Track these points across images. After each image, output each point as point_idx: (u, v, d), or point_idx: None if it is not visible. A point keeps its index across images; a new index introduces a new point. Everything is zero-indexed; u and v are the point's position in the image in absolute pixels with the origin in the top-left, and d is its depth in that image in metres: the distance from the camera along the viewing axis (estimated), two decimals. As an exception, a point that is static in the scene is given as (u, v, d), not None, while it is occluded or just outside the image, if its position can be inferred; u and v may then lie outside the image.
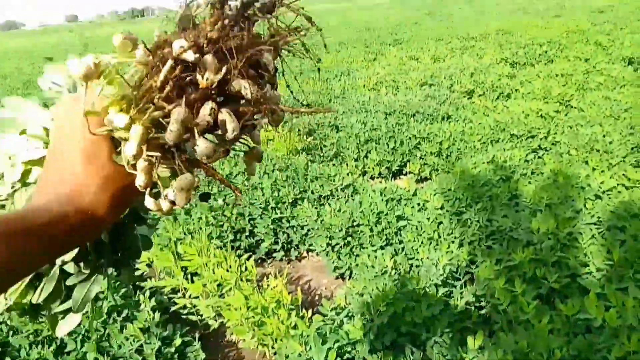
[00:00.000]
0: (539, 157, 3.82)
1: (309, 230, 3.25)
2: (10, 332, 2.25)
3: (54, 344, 2.15)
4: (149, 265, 2.97)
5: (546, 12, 14.56)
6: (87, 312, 0.68)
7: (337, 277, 2.95)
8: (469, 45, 9.24)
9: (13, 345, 2.15)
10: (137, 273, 2.90)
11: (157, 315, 2.31)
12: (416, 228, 2.98)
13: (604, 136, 3.74)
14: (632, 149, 3.54)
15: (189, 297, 2.61)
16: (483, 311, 2.16)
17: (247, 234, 3.28)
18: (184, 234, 3.16)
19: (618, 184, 2.92)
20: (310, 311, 2.31)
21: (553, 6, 16.26)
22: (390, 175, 4.27)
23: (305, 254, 3.31)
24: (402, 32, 13.22)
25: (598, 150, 3.57)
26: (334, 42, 12.32)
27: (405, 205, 3.25)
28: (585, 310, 1.85)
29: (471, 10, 19.04)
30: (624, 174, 3.02)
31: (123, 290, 2.49)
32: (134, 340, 2.13)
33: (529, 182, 3.27)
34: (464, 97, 5.81)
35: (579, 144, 3.72)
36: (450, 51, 8.78)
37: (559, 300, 2.08)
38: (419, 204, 3.23)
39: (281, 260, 3.26)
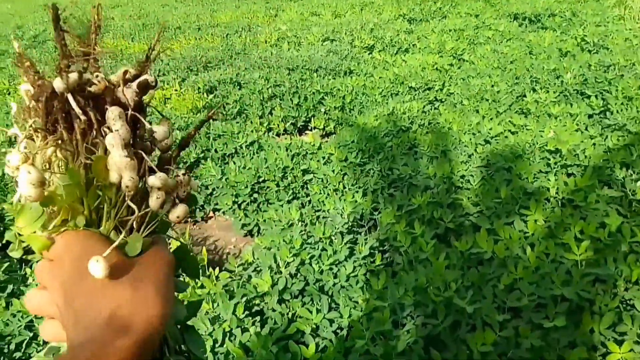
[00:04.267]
0: (435, 108, 3.99)
1: (213, 189, 3.15)
2: None
3: None
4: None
5: (440, -30, 15.02)
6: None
7: (245, 235, 2.91)
8: (368, 1, 9.30)
9: None
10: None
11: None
12: (322, 180, 3.00)
13: (492, 86, 3.98)
14: (517, 97, 3.81)
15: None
16: (386, 255, 2.25)
17: (147, 197, 3.10)
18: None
19: (505, 130, 3.13)
20: (217, 269, 2.25)
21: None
22: (296, 131, 4.24)
23: (211, 214, 3.22)
24: (303, -12, 12.97)
25: (487, 100, 3.80)
26: (232, -2, 11.80)
27: (311, 159, 3.25)
28: (477, 245, 1.98)
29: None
30: (510, 121, 3.25)
31: (6, 264, 2.25)
32: (22, 317, 1.95)
33: (427, 132, 3.41)
34: (365, 52, 5.87)
35: (470, 94, 3.93)
36: (350, 7, 8.78)
37: (454, 238, 2.21)
38: (324, 157, 3.25)
39: (186, 222, 3.14)
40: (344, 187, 2.86)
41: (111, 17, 10.38)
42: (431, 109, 3.96)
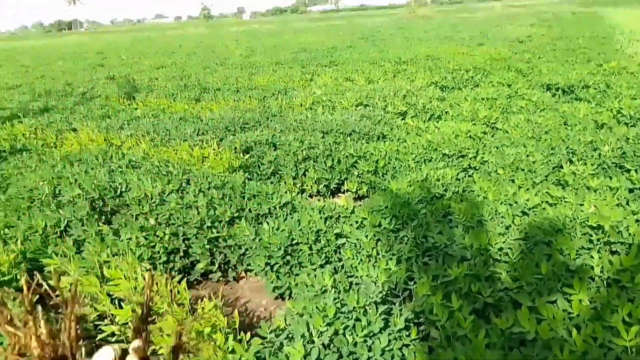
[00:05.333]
0: (469, 176, 3.98)
1: (246, 249, 3.16)
2: None
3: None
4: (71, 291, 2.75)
5: (471, 40, 15.47)
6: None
7: (276, 298, 2.88)
8: (401, 69, 9.59)
9: None
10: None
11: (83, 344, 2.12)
12: (355, 245, 2.98)
13: (527, 156, 3.97)
14: (553, 168, 3.78)
15: (117, 323, 2.43)
16: (422, 327, 2.18)
17: (182, 254, 3.14)
18: (113, 255, 2.96)
19: (542, 201, 3.09)
20: (248, 334, 2.22)
21: (477, 36, 17.32)
22: (329, 193, 4.27)
23: (243, 274, 3.22)
24: (337, 54, 13.51)
25: (523, 169, 3.78)
26: (269, 63, 12.35)
27: (344, 223, 3.25)
28: (519, 324, 1.91)
29: (402, 36, 19.85)
30: (547, 192, 3.21)
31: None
32: (53, 374, 1.94)
33: (461, 200, 3.39)
34: (398, 117, 5.98)
35: (505, 164, 3.92)
36: (384, 74, 9.05)
37: (494, 314, 2.13)
38: (357, 222, 3.24)
39: (218, 281, 3.14)
40: (377, 254, 2.83)
41: (155, 77, 10.97)
42: (465, 177, 3.95)
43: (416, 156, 4.41)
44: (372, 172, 4.31)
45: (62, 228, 3.38)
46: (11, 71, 15.41)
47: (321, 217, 3.24)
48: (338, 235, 3.07)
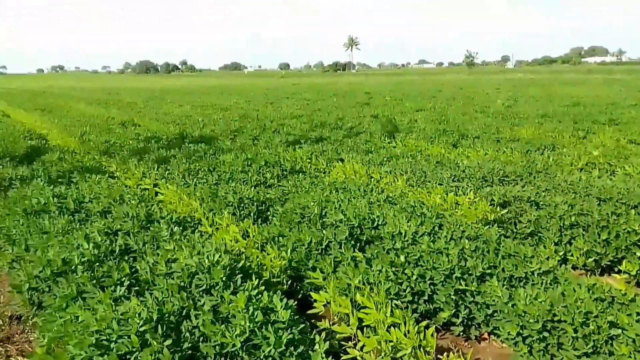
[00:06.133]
0: None
1: (495, 311, 2.93)
2: None
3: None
4: (326, 306, 2.99)
5: None
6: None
7: (522, 374, 2.58)
8: None
9: None
10: (314, 311, 2.94)
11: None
12: (633, 342, 2.46)
13: None
14: None
15: (361, 349, 2.53)
16: None
17: (426, 298, 3.10)
18: (363, 283, 3.12)
19: None
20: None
21: None
22: (599, 269, 3.68)
23: (486, 335, 2.99)
24: (618, 111, 11.82)
25: None
26: (535, 115, 11.58)
27: (619, 310, 2.73)
28: None
29: None
30: None
31: (301, 325, 2.52)
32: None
33: None
34: None
35: None
36: (683, 139, 7.49)
37: None
38: (638, 314, 2.68)
39: (459, 335, 2.99)
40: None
41: (415, 119, 11.46)
42: None
43: None
44: (661, 257, 3.55)
45: (323, 246, 3.73)
46: (296, 103, 18.26)
47: (591, 297, 2.79)
48: (612, 324, 2.59)
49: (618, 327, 2.59)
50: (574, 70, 73.07)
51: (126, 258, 3.40)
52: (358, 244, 3.80)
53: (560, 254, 3.81)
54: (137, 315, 2.38)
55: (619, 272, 3.65)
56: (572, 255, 3.75)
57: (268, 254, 3.55)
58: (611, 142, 7.43)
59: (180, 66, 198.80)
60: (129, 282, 2.96)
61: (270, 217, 4.63)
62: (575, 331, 2.53)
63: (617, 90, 20.83)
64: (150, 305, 2.51)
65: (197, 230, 4.11)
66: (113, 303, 2.60)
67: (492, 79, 42.09)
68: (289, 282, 3.42)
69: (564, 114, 11.55)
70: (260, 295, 2.70)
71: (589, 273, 3.72)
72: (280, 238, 3.96)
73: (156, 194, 5.35)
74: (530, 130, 8.71)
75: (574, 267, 3.77)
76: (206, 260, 2.98)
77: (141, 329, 2.31)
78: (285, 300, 2.72)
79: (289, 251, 3.60)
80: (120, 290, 2.81)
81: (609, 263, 3.73)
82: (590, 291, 2.89)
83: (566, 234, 3.95)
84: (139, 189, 5.56)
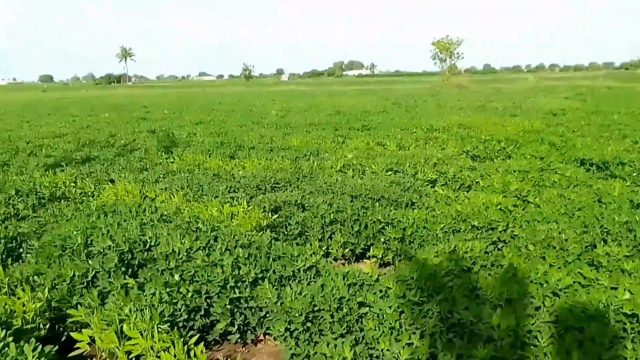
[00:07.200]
0: (498, 250, 3.90)
1: (267, 312, 3.13)
2: None
3: None
4: (91, 344, 2.76)
5: (504, 111, 15.59)
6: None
7: (293, 366, 2.81)
8: (433, 136, 9.69)
9: None
10: (76, 352, 2.69)
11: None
12: (378, 316, 2.92)
13: (559, 233, 3.87)
14: (586, 247, 3.67)
15: (133, 381, 2.42)
16: (443, 411, 2.08)
17: (203, 313, 3.13)
18: (135, 310, 2.97)
19: (574, 282, 2.98)
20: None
21: (510, 106, 17.45)
22: (354, 257, 4.24)
23: (262, 337, 3.17)
24: (370, 118, 13.80)
25: (554, 247, 3.68)
26: (304, 124, 12.70)
27: (368, 291, 3.20)
28: (547, 416, 1.80)
29: (435, 104, 20.20)
30: (579, 273, 3.10)
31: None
32: None
33: (489, 274, 3.31)
34: (428, 185, 5.98)
35: (536, 240, 3.83)
36: (415, 140, 9.16)
37: (520, 402, 2.02)
38: (381, 291, 3.19)
39: (236, 343, 3.10)
40: (400, 327, 2.76)
41: (194, 132, 11.39)
42: (494, 250, 3.86)
43: (444, 226, 4.37)
44: (398, 240, 4.28)
45: (89, 279, 3.44)
46: (60, 120, 16.31)
47: (345, 284, 3.20)
48: (361, 304, 3.02)
49: (366, 305, 3.03)
50: (337, 82, 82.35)
51: None
52: (130, 270, 3.61)
53: (324, 248, 4.27)
54: None
55: (369, 257, 4.28)
56: (332, 248, 4.24)
57: (19, 298, 3.11)
58: (363, 145, 8.63)
59: None
60: None
61: (23, 255, 4.05)
62: (332, 316, 2.87)
63: (369, 100, 24.27)
64: None
65: None
66: None
67: (269, 91, 44.56)
68: (48, 326, 3.05)
69: (327, 122, 12.96)
70: (7, 348, 2.36)
71: (346, 262, 4.25)
72: (37, 277, 3.51)
73: None
74: (299, 139, 9.52)
75: (335, 259, 4.26)
76: None
77: None
78: (40, 347, 2.44)
79: (46, 290, 3.22)
80: None
81: (361, 251, 4.33)
82: (345, 278, 3.32)
83: (327, 230, 4.45)
84: None
